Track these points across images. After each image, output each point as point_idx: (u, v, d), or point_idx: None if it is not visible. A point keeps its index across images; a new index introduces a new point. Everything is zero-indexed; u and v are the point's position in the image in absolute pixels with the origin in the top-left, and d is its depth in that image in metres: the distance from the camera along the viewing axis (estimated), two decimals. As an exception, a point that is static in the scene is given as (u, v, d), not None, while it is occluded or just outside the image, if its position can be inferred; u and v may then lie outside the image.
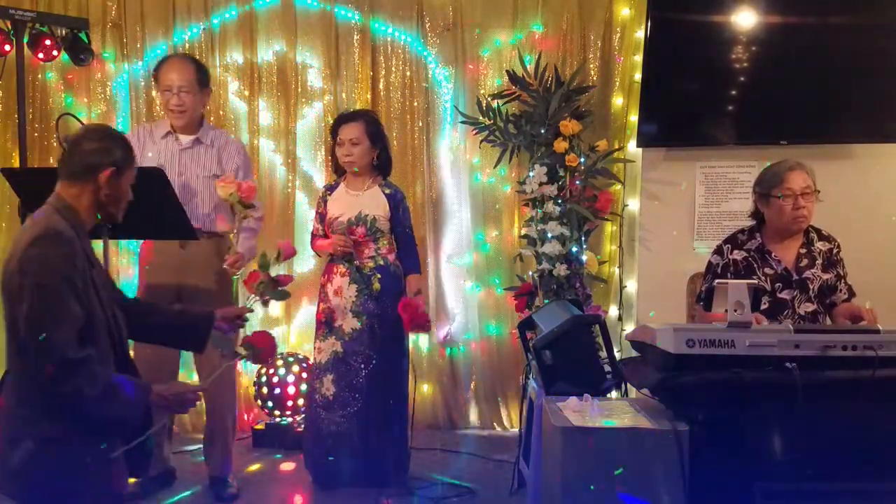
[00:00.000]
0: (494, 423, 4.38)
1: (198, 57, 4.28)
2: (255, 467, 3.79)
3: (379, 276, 3.34)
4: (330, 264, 3.45)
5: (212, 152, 3.32)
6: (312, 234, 3.56)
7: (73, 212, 2.02)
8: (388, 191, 3.41)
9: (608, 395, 2.57)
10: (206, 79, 3.37)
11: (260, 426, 4.12)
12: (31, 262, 1.88)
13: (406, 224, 3.46)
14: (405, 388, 3.51)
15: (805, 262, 2.90)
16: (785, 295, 2.87)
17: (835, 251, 2.94)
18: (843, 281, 2.92)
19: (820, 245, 2.94)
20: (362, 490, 3.34)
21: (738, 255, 2.95)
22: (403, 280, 3.47)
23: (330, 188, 3.52)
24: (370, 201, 3.37)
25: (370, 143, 3.37)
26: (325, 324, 3.38)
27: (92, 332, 1.97)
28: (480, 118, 4.07)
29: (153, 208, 2.71)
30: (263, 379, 4.09)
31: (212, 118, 4.30)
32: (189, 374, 3.70)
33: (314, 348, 3.44)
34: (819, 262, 2.90)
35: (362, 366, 3.31)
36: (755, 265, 2.91)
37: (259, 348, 2.35)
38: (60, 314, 1.87)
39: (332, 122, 3.64)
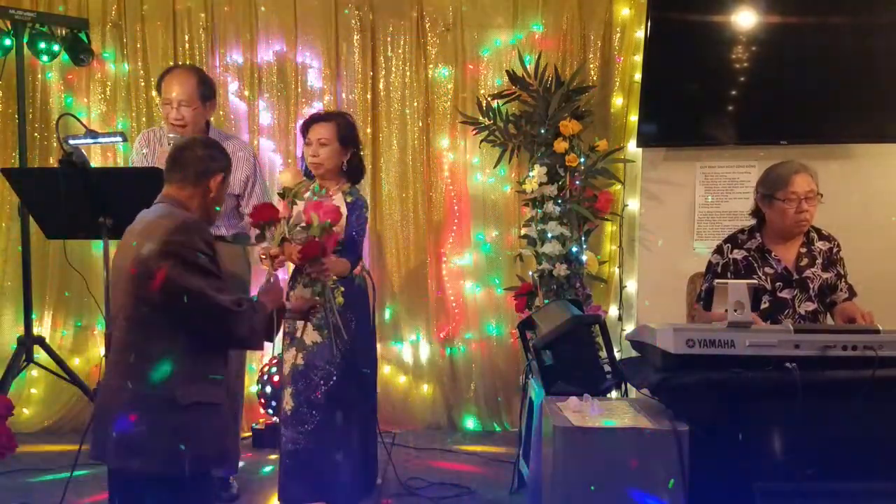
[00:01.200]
0: (494, 423, 4.38)
1: (197, 57, 4.30)
2: (254, 467, 3.79)
3: (342, 289, 3.06)
4: (295, 272, 3.21)
5: None
6: None
7: (189, 210, 2.26)
8: (349, 199, 3.15)
9: (608, 395, 2.57)
10: (210, 91, 3.25)
11: (260, 426, 4.12)
12: (181, 247, 2.11)
13: (354, 227, 3.13)
14: (371, 402, 3.35)
15: (805, 261, 2.90)
16: (785, 294, 2.87)
17: (835, 250, 2.95)
18: (843, 280, 2.92)
19: (820, 244, 2.94)
20: (361, 491, 3.34)
21: (738, 254, 2.95)
22: (370, 294, 3.28)
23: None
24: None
25: (340, 145, 3.13)
26: (289, 334, 3.16)
27: None
28: (480, 118, 4.07)
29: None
30: (265, 378, 4.09)
31: (212, 118, 4.30)
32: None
33: (282, 359, 3.23)
34: (819, 261, 2.91)
35: (321, 382, 3.09)
36: (755, 264, 2.91)
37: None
38: (218, 282, 2.17)
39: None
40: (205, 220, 2.32)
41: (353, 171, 3.24)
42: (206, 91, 3.23)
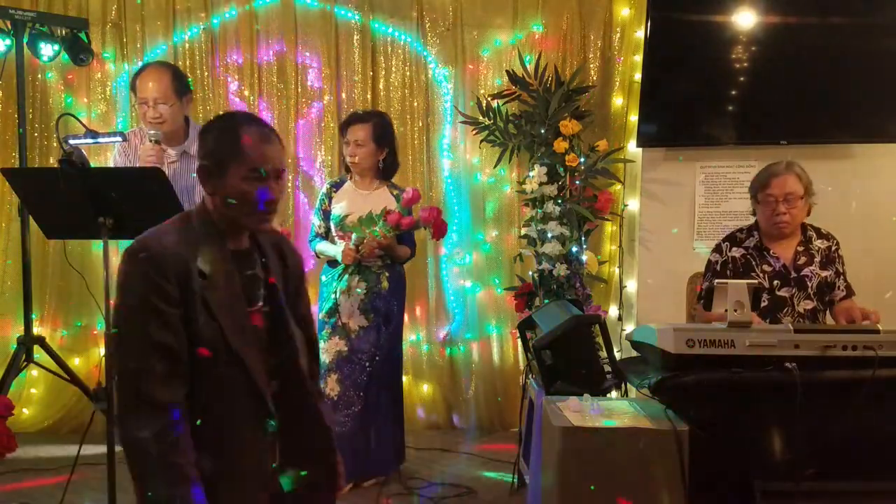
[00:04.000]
0: (494, 424, 4.38)
1: (198, 57, 4.30)
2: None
3: (387, 274, 3.35)
4: (334, 263, 3.42)
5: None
6: (316, 233, 3.51)
7: (207, 211, 1.79)
8: (395, 192, 3.42)
9: (608, 395, 2.57)
10: (185, 86, 3.22)
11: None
12: (125, 278, 1.66)
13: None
14: (401, 382, 3.57)
15: (803, 259, 2.90)
16: (784, 293, 2.88)
17: (833, 249, 2.95)
18: (841, 279, 2.92)
19: (818, 243, 2.94)
20: (362, 490, 3.35)
21: (736, 252, 2.96)
22: (406, 282, 3.52)
23: (335, 185, 3.49)
24: (380, 201, 3.36)
25: (375, 145, 3.36)
26: (329, 324, 3.38)
27: None
28: (480, 118, 4.07)
29: (153, 208, 2.70)
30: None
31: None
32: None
33: (320, 349, 3.43)
34: (817, 259, 2.91)
35: (367, 364, 3.32)
36: (753, 262, 2.92)
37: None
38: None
39: (332, 122, 3.63)
40: (222, 226, 1.76)
41: (388, 169, 3.46)
42: (181, 86, 3.19)
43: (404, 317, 3.56)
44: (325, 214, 3.45)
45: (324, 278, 3.47)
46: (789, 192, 2.83)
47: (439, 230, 3.30)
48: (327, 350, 3.35)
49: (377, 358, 3.34)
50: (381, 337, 3.34)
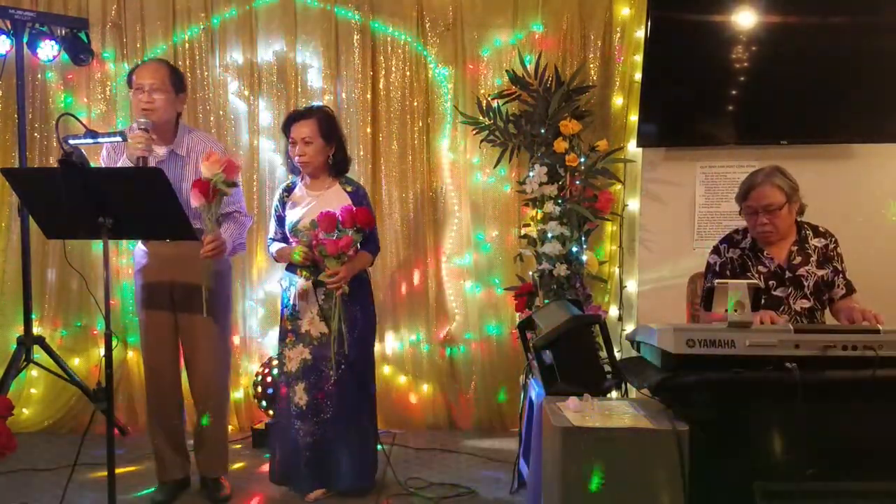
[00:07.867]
0: (494, 424, 4.38)
1: (197, 57, 4.30)
2: (250, 467, 3.78)
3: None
4: (290, 268, 3.33)
5: (188, 163, 3.18)
6: (271, 238, 3.40)
7: None
8: (349, 188, 3.29)
9: (608, 395, 2.57)
10: (181, 84, 3.22)
11: (260, 426, 4.12)
12: None
13: None
14: (373, 387, 3.44)
15: (798, 259, 2.90)
16: (779, 292, 2.88)
17: (831, 247, 2.94)
18: (840, 276, 2.92)
19: (815, 241, 2.94)
20: (360, 491, 3.35)
21: (733, 253, 2.97)
22: (370, 283, 3.42)
23: (287, 189, 3.37)
24: (332, 201, 3.24)
25: (323, 141, 3.23)
26: (292, 331, 3.29)
27: None
28: (480, 118, 4.07)
29: (153, 208, 2.70)
30: (264, 379, 4.09)
31: (212, 118, 4.31)
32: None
33: (284, 356, 3.32)
34: (814, 258, 2.91)
35: (331, 371, 3.23)
36: (749, 263, 2.93)
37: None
38: None
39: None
40: None
41: (339, 165, 3.34)
42: (178, 82, 3.19)
43: (374, 322, 3.43)
44: (280, 220, 3.34)
45: (283, 283, 3.35)
46: (768, 203, 2.84)
47: (366, 223, 3.17)
48: (293, 358, 3.27)
49: (342, 365, 3.22)
50: (343, 343, 3.21)
